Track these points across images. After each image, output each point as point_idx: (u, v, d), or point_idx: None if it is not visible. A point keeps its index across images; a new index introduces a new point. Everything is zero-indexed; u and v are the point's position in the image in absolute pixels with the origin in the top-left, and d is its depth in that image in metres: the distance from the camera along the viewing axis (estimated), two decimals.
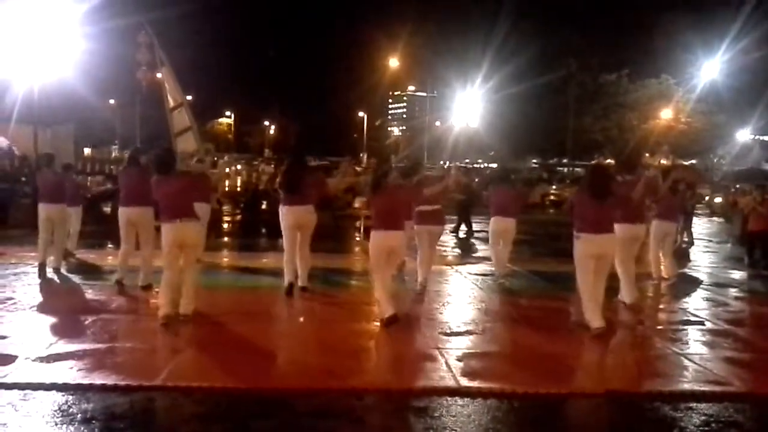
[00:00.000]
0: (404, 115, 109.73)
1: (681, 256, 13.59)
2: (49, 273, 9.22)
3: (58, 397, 4.76)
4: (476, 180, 14.13)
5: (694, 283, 10.37)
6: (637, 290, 8.41)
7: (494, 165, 49.52)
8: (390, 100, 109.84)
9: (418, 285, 8.87)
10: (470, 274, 10.29)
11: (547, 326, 7.11)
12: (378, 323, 6.90)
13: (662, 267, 10.16)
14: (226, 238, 15.20)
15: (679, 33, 36.45)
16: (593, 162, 27.10)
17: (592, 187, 7.02)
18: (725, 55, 34.88)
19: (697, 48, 35.45)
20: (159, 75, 15.68)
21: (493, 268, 10.20)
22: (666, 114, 38.86)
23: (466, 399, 4.98)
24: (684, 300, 9.03)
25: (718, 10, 34.93)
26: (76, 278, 9.24)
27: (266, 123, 78.54)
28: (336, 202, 18.18)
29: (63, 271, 9.54)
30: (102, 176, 21.41)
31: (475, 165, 47.53)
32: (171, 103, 15.00)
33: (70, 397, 4.75)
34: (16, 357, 5.53)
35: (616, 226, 7.75)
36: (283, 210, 8.26)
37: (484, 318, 7.63)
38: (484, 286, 9.37)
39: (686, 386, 5.40)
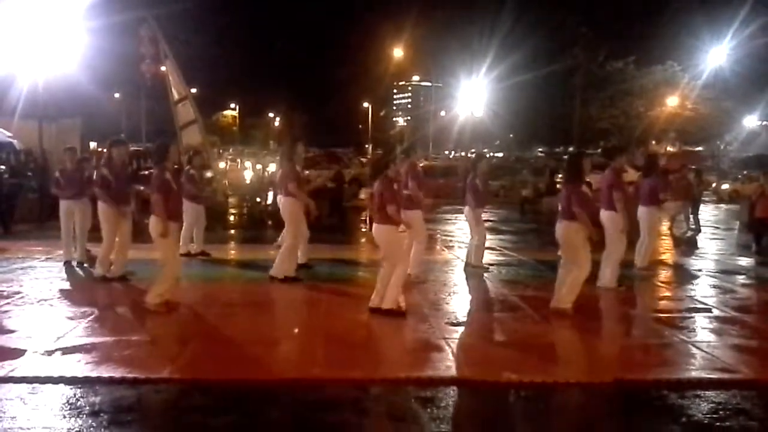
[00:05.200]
0: (409, 105, 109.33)
1: (688, 243, 13.55)
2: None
3: (66, 391, 4.78)
4: None
5: (701, 270, 10.33)
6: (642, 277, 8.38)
7: (500, 154, 49.49)
8: (395, 91, 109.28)
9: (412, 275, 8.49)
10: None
11: (553, 316, 7.08)
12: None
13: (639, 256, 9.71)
14: (232, 231, 15.20)
15: (686, 19, 36.23)
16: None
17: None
18: (732, 41, 34.64)
19: (703, 34, 35.21)
20: (163, 68, 15.68)
21: (500, 258, 10.22)
22: (672, 101, 38.62)
23: (472, 389, 4.98)
24: (691, 287, 9.00)
25: None
26: (83, 272, 9.26)
27: (271, 115, 78.53)
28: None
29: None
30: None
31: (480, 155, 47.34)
32: (175, 96, 15.04)
33: (78, 391, 4.77)
34: (24, 351, 5.56)
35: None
36: None
37: (490, 308, 7.62)
38: (490, 276, 9.35)
39: (694, 374, 5.38)
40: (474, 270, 9.42)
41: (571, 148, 40.90)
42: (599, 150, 42.53)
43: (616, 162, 8.64)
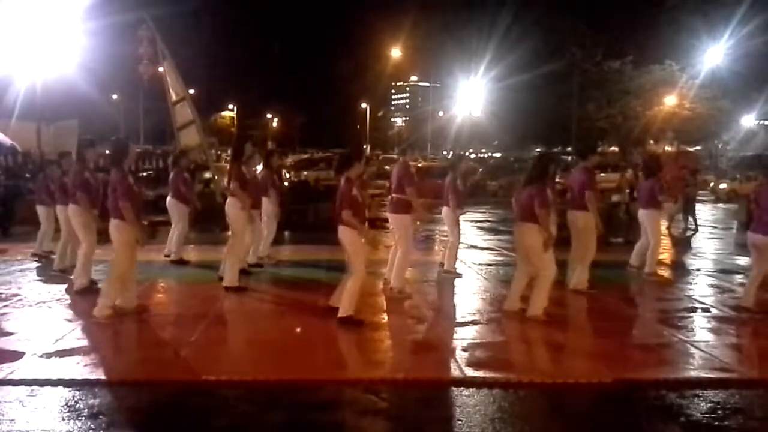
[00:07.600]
0: (407, 106, 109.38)
1: (686, 242, 13.56)
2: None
3: (64, 393, 4.77)
4: (480, 170, 14.01)
5: (699, 269, 10.33)
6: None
7: (498, 154, 49.50)
8: (393, 91, 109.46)
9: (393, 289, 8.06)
10: (474, 263, 10.27)
11: (552, 315, 7.07)
12: (383, 314, 6.91)
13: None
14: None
15: (683, 19, 36.18)
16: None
17: None
18: (729, 40, 34.64)
19: (701, 33, 35.17)
20: (161, 69, 15.67)
21: (498, 258, 10.20)
22: (670, 100, 38.62)
23: (471, 389, 4.98)
24: (689, 287, 9.01)
25: None
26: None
27: (269, 115, 78.48)
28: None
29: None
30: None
31: (478, 155, 47.46)
32: (173, 96, 15.00)
33: (77, 393, 4.77)
34: (23, 353, 5.56)
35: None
36: None
37: (489, 308, 7.62)
38: (488, 276, 9.35)
39: (693, 373, 5.39)
40: (446, 275, 9.06)
41: (569, 148, 40.92)
42: (599, 150, 42.42)
43: (588, 161, 8.44)
